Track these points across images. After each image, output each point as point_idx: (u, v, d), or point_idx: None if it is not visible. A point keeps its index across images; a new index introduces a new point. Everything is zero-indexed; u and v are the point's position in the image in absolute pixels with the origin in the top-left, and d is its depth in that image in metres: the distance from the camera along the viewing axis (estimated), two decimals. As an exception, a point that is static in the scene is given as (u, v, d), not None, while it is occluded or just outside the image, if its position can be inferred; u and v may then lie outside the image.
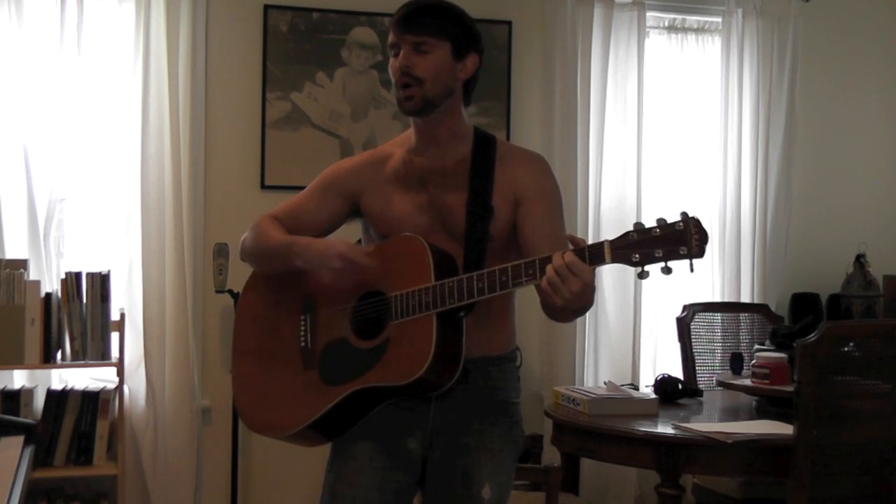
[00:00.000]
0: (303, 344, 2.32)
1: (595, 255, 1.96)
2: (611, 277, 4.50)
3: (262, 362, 2.39)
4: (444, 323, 2.12)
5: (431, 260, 2.14)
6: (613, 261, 1.94)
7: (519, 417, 2.37)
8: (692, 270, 1.95)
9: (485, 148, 2.28)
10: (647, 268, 1.93)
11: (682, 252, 1.90)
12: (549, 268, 1.97)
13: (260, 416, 2.38)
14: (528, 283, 2.04)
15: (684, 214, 1.92)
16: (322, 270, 2.21)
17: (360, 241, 2.44)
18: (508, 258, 2.23)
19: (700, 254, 1.90)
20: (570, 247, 2.01)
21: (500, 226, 2.24)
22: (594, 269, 1.98)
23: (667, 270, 1.92)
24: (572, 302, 1.98)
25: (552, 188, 2.30)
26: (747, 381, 3.56)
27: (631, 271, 4.76)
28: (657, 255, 1.91)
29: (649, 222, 1.96)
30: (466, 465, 2.25)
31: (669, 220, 1.93)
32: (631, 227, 1.95)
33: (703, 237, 1.89)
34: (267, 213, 2.40)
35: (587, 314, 3.99)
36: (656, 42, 4.75)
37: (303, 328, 2.32)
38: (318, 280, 2.24)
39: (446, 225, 2.25)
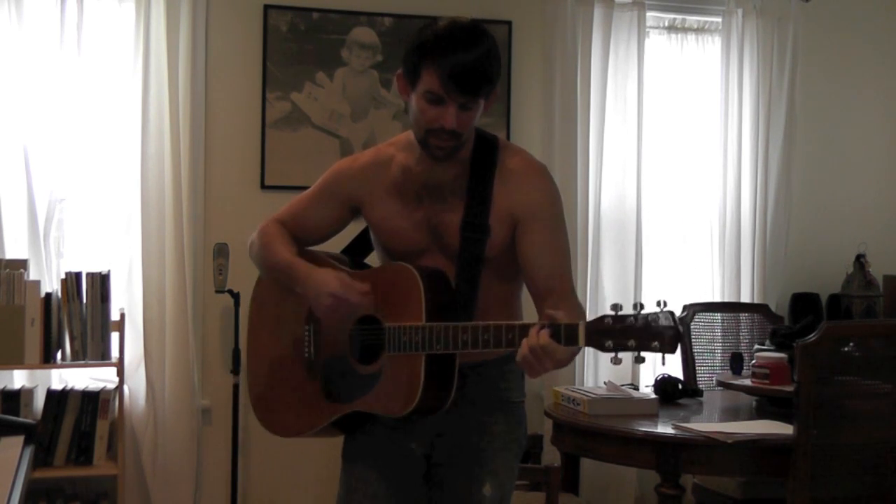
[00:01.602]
0: (306, 354, 2.34)
1: (570, 336, 1.96)
2: (611, 278, 4.50)
3: (270, 364, 2.43)
4: (434, 362, 2.12)
5: (423, 297, 2.13)
6: (587, 345, 1.96)
7: (522, 417, 2.38)
8: (664, 364, 2.00)
9: (485, 153, 2.25)
10: (619, 354, 1.95)
11: (654, 346, 1.91)
12: (524, 343, 1.97)
13: (269, 416, 2.43)
14: (507, 350, 2.06)
15: (662, 304, 1.92)
16: (316, 303, 2.23)
17: (366, 229, 2.43)
18: (506, 276, 2.25)
19: (672, 350, 1.91)
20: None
21: (497, 245, 2.21)
22: (569, 349, 1.98)
23: (639, 359, 1.94)
24: (545, 373, 2.02)
25: (552, 204, 2.24)
26: (747, 381, 3.56)
27: (632, 266, 4.75)
28: (630, 345, 1.92)
29: (630, 295, 1.96)
30: (469, 464, 2.26)
31: (646, 310, 1.93)
32: (609, 307, 1.97)
33: (676, 334, 1.90)
34: (273, 218, 2.40)
35: (588, 313, 3.99)
36: (656, 42, 4.74)
37: (306, 338, 2.34)
38: (315, 310, 2.27)
39: (441, 242, 2.24)
